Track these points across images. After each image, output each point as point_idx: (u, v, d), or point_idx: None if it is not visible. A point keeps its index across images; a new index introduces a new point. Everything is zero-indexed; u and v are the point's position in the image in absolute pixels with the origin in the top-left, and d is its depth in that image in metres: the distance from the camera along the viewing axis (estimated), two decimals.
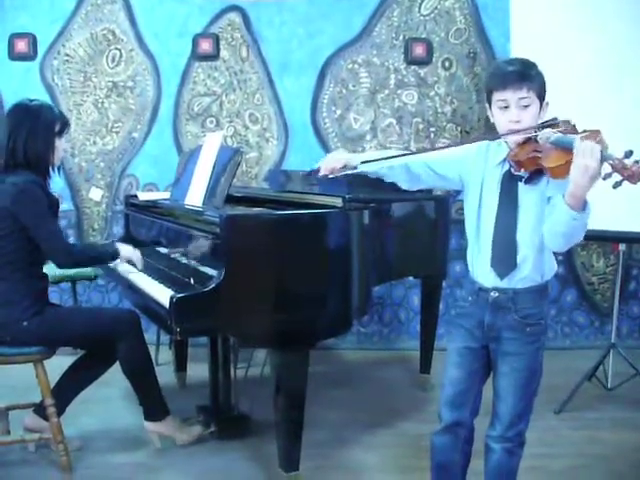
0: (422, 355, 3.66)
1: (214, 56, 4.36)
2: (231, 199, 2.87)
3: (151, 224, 3.13)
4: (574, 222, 1.67)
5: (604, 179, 1.60)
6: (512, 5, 3.66)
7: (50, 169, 2.70)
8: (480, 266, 1.92)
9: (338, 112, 4.39)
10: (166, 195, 3.29)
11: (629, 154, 1.57)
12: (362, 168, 2.05)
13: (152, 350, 3.00)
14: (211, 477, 2.65)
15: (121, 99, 4.40)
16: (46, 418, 2.66)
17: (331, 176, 2.08)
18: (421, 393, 3.57)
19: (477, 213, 1.92)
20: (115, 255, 2.82)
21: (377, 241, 2.82)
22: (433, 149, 2.29)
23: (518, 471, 1.98)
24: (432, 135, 4.38)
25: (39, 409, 2.77)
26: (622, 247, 3.45)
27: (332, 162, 2.06)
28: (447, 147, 2.07)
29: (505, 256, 1.87)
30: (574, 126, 1.76)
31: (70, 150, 4.36)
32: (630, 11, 3.35)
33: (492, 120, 1.91)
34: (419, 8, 4.31)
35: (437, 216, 3.37)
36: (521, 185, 1.84)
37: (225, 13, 4.33)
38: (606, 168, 1.60)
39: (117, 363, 2.75)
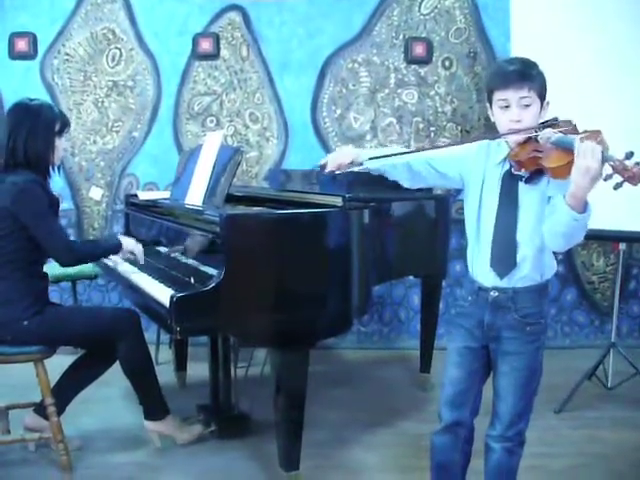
0: (422, 354, 3.66)
1: (214, 55, 4.36)
2: (231, 198, 2.87)
3: (151, 223, 3.13)
4: (575, 223, 1.67)
5: (605, 180, 1.60)
6: (512, 4, 3.66)
7: (50, 168, 2.70)
8: (480, 265, 1.92)
9: (338, 111, 4.39)
10: (166, 194, 3.29)
11: (630, 155, 1.57)
12: (367, 165, 2.04)
13: (152, 349, 3.00)
14: (211, 476, 2.66)
15: (121, 98, 4.40)
16: (46, 417, 2.66)
17: (338, 172, 2.08)
18: (421, 392, 3.57)
19: (477, 212, 1.92)
20: (118, 248, 2.80)
21: (377, 240, 2.82)
22: (439, 147, 2.27)
23: (518, 470, 1.99)
24: (432, 134, 4.38)
25: (39, 408, 2.77)
26: (622, 246, 3.45)
27: (339, 158, 2.04)
28: (453, 145, 2.06)
29: (505, 256, 1.87)
30: (575, 126, 1.76)
31: (70, 149, 4.36)
32: (630, 11, 3.35)
33: (492, 119, 1.91)
34: (419, 7, 4.31)
35: (437, 215, 3.37)
36: (521, 185, 1.85)
37: (225, 12, 4.33)
38: (607, 169, 1.60)
39: (117, 362, 2.75)
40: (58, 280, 3.85)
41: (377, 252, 2.79)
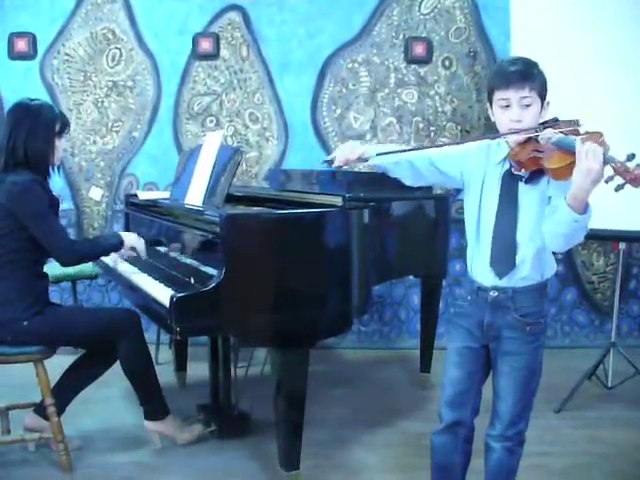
0: (422, 354, 3.66)
1: (214, 55, 4.35)
2: (231, 198, 2.87)
3: (151, 223, 3.13)
4: (575, 224, 1.68)
5: (606, 182, 1.60)
6: (512, 4, 3.66)
7: (50, 169, 2.70)
8: (479, 265, 1.92)
9: (338, 111, 4.39)
10: (166, 194, 3.29)
11: (631, 157, 1.57)
12: (373, 161, 2.04)
13: (152, 349, 3.00)
14: (211, 476, 2.65)
15: (121, 98, 4.40)
16: (46, 418, 2.66)
17: (345, 167, 2.07)
18: (421, 392, 3.57)
19: (477, 212, 1.92)
20: (118, 246, 2.78)
21: (377, 240, 2.82)
22: (444, 145, 2.27)
23: (518, 470, 1.99)
24: (432, 134, 4.38)
25: (39, 409, 2.77)
26: (622, 246, 3.46)
27: (347, 153, 2.02)
28: (459, 143, 2.05)
29: (504, 255, 1.86)
30: (577, 126, 1.75)
31: (70, 149, 4.37)
32: (630, 10, 3.35)
33: (493, 119, 1.91)
34: (419, 7, 4.31)
35: (437, 215, 3.37)
36: (521, 184, 1.85)
37: (225, 12, 4.33)
38: (608, 171, 1.59)
39: (117, 363, 2.75)
40: (58, 280, 3.85)
41: (377, 252, 2.79)
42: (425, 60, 4.34)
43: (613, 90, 3.26)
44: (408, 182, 2.08)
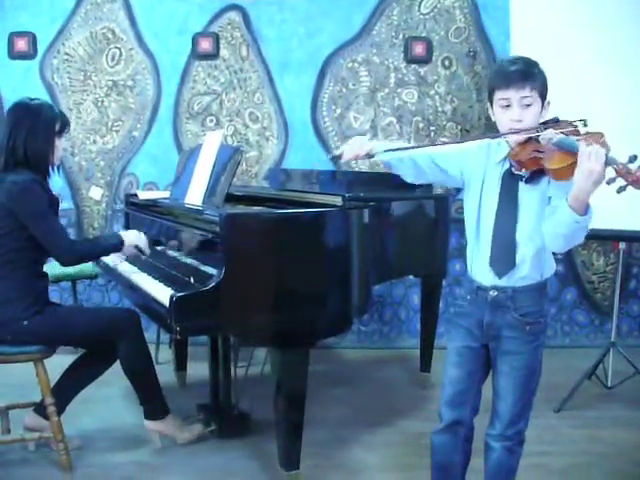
0: (422, 354, 3.67)
1: (214, 55, 4.35)
2: (231, 198, 2.87)
3: (151, 223, 3.13)
4: (576, 225, 1.68)
5: (608, 184, 1.60)
6: (512, 4, 3.65)
7: (50, 168, 2.70)
8: (479, 265, 1.92)
9: (338, 111, 4.39)
10: (166, 194, 3.29)
11: (633, 159, 1.57)
12: (378, 157, 2.03)
13: (152, 349, 3.00)
14: (211, 476, 2.65)
15: (121, 98, 4.40)
16: (46, 417, 2.66)
17: (353, 162, 2.06)
18: (421, 391, 3.57)
19: (477, 212, 1.92)
20: (119, 246, 2.78)
21: (377, 240, 2.82)
22: (450, 142, 2.27)
23: (518, 469, 1.99)
24: (432, 134, 4.38)
25: (39, 408, 2.77)
26: (622, 245, 3.46)
27: (356, 149, 2.01)
28: (466, 141, 2.05)
29: (504, 255, 1.87)
30: (576, 127, 1.75)
31: (70, 149, 4.37)
32: (630, 10, 3.35)
33: (493, 119, 1.90)
34: (419, 7, 4.31)
35: (437, 215, 3.37)
36: (521, 184, 1.85)
37: (225, 12, 4.33)
38: (610, 173, 1.59)
39: (117, 362, 2.75)
40: (58, 280, 3.85)
41: (377, 251, 2.79)
42: (425, 60, 4.34)
43: (613, 90, 3.26)
44: (410, 179, 2.08)
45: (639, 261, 4.48)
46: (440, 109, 4.38)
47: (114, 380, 2.93)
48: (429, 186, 3.33)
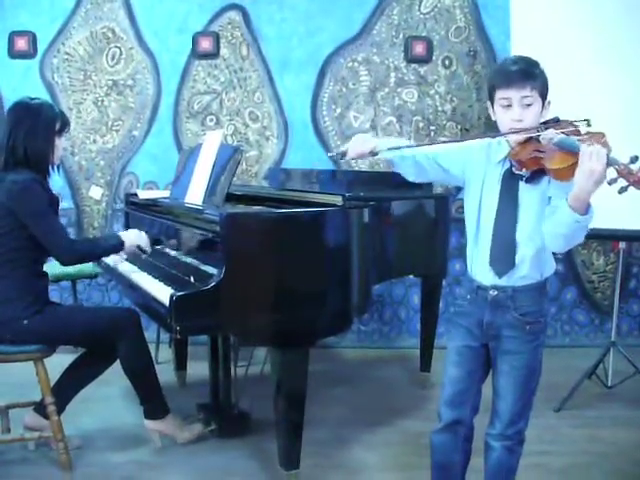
0: (422, 353, 3.66)
1: (214, 54, 4.35)
2: (231, 197, 2.87)
3: (151, 222, 3.13)
4: (577, 225, 1.68)
5: (610, 184, 1.60)
6: (512, 3, 3.65)
7: (50, 167, 2.70)
8: (479, 264, 1.92)
9: (338, 110, 4.39)
10: (166, 193, 3.29)
11: (635, 159, 1.57)
12: (382, 155, 2.03)
13: (152, 348, 3.00)
14: (211, 475, 2.66)
15: (121, 97, 4.39)
16: (46, 416, 2.66)
17: (353, 161, 2.06)
18: (421, 391, 3.57)
19: (477, 211, 1.92)
20: (119, 247, 2.78)
21: (377, 239, 2.82)
22: (455, 140, 2.26)
23: (518, 469, 1.99)
24: (432, 133, 4.38)
25: (39, 407, 2.77)
26: (622, 245, 3.46)
27: (360, 146, 2.00)
28: (467, 140, 2.04)
29: (504, 255, 1.86)
30: (577, 127, 1.75)
31: (70, 148, 4.37)
32: (630, 9, 3.34)
33: (493, 118, 1.90)
34: (419, 6, 4.31)
35: (437, 214, 3.36)
36: (522, 184, 1.84)
37: (225, 11, 4.33)
38: (611, 173, 1.59)
39: (117, 362, 2.75)
40: (58, 279, 3.85)
41: (377, 251, 2.79)
42: (425, 59, 4.34)
43: (613, 90, 3.26)
44: (411, 178, 2.08)
45: (639, 260, 4.48)
46: (440, 109, 4.37)
47: (114, 379, 2.93)
48: (429, 186, 3.33)
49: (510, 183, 1.86)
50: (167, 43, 4.36)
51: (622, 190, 1.60)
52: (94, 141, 4.42)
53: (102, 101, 4.39)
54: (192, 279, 2.52)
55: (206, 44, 4.34)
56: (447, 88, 4.36)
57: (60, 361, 2.79)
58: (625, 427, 3.12)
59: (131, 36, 4.35)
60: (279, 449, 2.45)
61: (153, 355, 2.88)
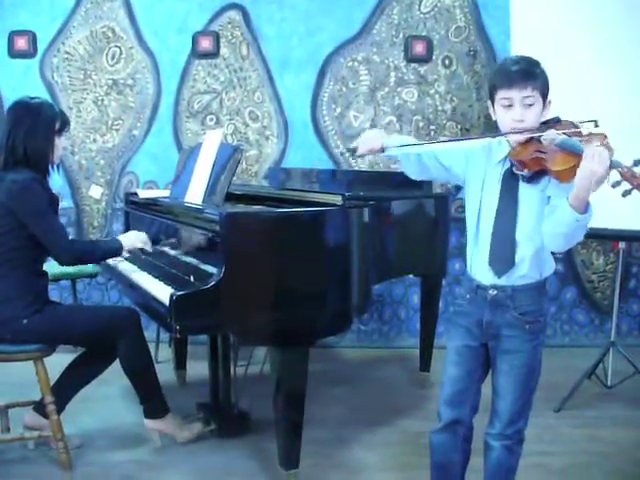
0: (422, 353, 3.66)
1: (214, 54, 4.35)
2: (231, 197, 2.87)
3: (151, 222, 3.13)
4: (576, 224, 1.68)
5: (613, 187, 1.60)
6: (512, 3, 3.65)
7: (49, 167, 2.70)
8: (478, 264, 1.92)
9: (338, 110, 4.39)
10: (166, 193, 3.29)
11: (638, 162, 1.57)
12: (388, 152, 2.03)
13: (152, 348, 3.00)
14: (211, 475, 2.66)
15: (121, 97, 4.39)
16: (46, 416, 2.66)
17: (369, 155, 2.06)
18: (421, 391, 3.57)
19: (477, 211, 1.92)
20: (118, 251, 2.79)
21: (377, 239, 2.81)
22: (460, 139, 2.26)
23: (518, 469, 1.99)
24: (432, 133, 4.38)
25: (39, 407, 2.77)
26: (622, 245, 3.46)
27: (371, 143, 2.01)
28: (477, 138, 2.04)
29: (503, 254, 1.86)
30: (578, 127, 1.74)
31: (70, 148, 4.37)
32: (630, 9, 3.34)
33: (494, 118, 1.90)
34: (419, 6, 4.31)
35: (437, 214, 3.36)
36: (522, 184, 1.84)
37: (225, 11, 4.33)
38: (615, 176, 1.59)
39: (117, 361, 2.75)
40: (58, 279, 3.85)
41: (377, 251, 2.78)
42: (425, 59, 4.34)
43: (613, 89, 3.26)
44: (413, 175, 2.08)
45: (639, 260, 4.48)
46: (440, 108, 4.37)
47: (114, 379, 2.92)
48: (429, 185, 3.33)
49: (510, 183, 1.86)
50: (167, 42, 4.36)
51: (626, 193, 1.59)
52: (94, 140, 4.42)
53: (102, 100, 4.39)
54: (192, 278, 2.52)
55: (206, 44, 4.34)
56: (447, 88, 4.36)
57: (60, 360, 2.79)
58: (625, 427, 3.12)
59: (131, 35, 4.35)
60: (279, 448, 2.45)
61: (153, 354, 2.89)
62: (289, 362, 2.37)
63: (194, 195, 2.82)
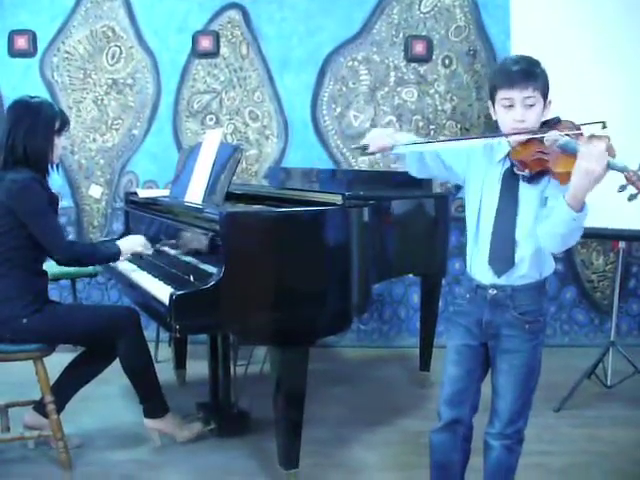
0: (422, 352, 3.66)
1: (214, 53, 4.35)
2: (231, 196, 2.87)
3: (151, 221, 3.13)
4: (573, 222, 1.68)
5: (619, 191, 1.60)
6: (512, 2, 3.65)
7: (49, 166, 2.70)
8: (478, 263, 1.92)
9: (338, 109, 4.39)
10: (166, 192, 3.29)
11: None
12: (395, 150, 2.03)
13: (152, 347, 3.01)
14: (211, 474, 2.66)
15: (121, 96, 4.39)
16: (46, 415, 2.66)
17: (379, 154, 2.06)
18: (420, 390, 3.57)
19: (477, 210, 1.92)
20: (116, 256, 2.79)
21: (377, 238, 2.81)
22: (466, 138, 2.26)
23: (517, 468, 1.99)
24: (432, 132, 4.38)
25: (39, 406, 2.77)
26: (622, 245, 3.46)
27: (382, 141, 2.01)
28: (484, 137, 2.04)
29: (503, 254, 1.86)
30: (578, 128, 1.74)
31: (70, 147, 4.37)
32: (630, 9, 3.34)
33: (494, 117, 1.90)
34: (419, 5, 4.31)
35: (437, 214, 3.36)
36: (522, 183, 1.84)
37: (225, 10, 4.33)
38: (621, 180, 1.59)
39: (117, 360, 2.75)
40: (57, 278, 3.85)
41: (377, 250, 2.79)
42: (425, 58, 4.34)
43: (613, 89, 3.26)
44: (414, 172, 2.08)
45: (639, 260, 4.48)
46: (440, 108, 4.37)
47: (114, 378, 2.93)
48: (429, 185, 3.33)
49: (510, 182, 1.86)
50: (167, 42, 4.35)
51: (632, 197, 1.59)
52: (94, 140, 4.42)
53: (102, 100, 4.39)
54: (192, 278, 2.52)
55: (206, 43, 4.34)
56: (447, 87, 4.36)
57: (60, 360, 2.79)
58: (624, 426, 3.12)
59: (131, 35, 4.35)
60: (278, 448, 2.45)
61: (152, 354, 2.89)
62: (289, 362, 2.37)
63: (194, 194, 2.82)
